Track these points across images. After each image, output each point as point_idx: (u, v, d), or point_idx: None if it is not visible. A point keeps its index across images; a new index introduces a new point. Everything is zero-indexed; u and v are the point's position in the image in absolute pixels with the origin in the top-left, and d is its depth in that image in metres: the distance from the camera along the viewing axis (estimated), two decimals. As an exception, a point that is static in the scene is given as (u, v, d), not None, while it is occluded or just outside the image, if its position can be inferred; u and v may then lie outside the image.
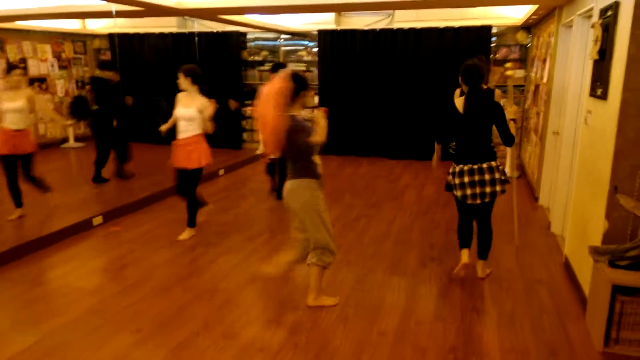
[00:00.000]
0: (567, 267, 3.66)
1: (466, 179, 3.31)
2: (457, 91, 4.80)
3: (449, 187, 3.49)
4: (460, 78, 3.34)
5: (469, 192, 3.32)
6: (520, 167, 7.01)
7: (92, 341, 2.77)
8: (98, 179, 6.07)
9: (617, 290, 2.59)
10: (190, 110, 4.08)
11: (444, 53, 7.39)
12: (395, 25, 7.64)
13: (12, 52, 8.11)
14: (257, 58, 8.67)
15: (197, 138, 4.14)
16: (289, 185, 2.99)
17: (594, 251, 2.79)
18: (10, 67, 4.69)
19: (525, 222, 4.77)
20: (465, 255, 3.47)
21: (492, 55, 7.37)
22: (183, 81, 4.07)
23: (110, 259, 3.96)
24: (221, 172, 6.80)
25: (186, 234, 4.34)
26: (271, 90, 2.82)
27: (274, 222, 4.83)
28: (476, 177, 3.29)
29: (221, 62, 8.45)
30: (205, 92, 4.21)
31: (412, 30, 7.51)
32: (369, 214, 5.04)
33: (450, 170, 3.44)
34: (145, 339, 2.79)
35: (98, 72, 6.20)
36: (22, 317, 3.05)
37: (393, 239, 4.34)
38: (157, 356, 2.62)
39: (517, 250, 4.06)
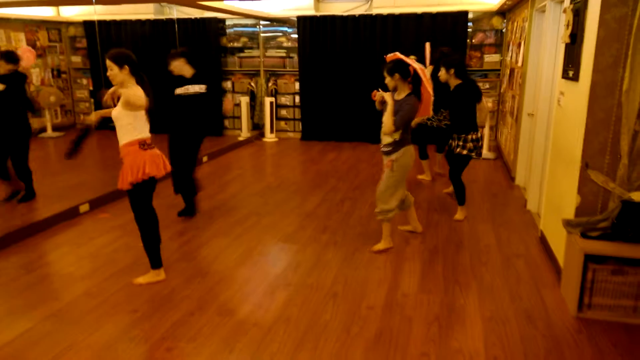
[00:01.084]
0: (543, 240, 3.87)
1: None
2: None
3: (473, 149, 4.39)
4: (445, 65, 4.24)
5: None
6: (497, 149, 7.23)
7: (89, 322, 2.84)
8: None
9: (589, 259, 2.78)
10: (116, 111, 3.09)
11: (421, 38, 7.50)
12: (374, 11, 7.74)
13: (-15, 41, 7.92)
14: (236, 44, 8.65)
15: (126, 149, 3.10)
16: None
17: (567, 224, 2.97)
18: None
19: (502, 202, 4.98)
20: None
21: (468, 40, 7.53)
22: (117, 73, 3.02)
23: (100, 244, 3.99)
24: (205, 158, 6.83)
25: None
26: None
27: (260, 206, 4.92)
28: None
29: (200, 48, 8.41)
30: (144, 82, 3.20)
31: (391, 16, 7.61)
32: (353, 197, 5.17)
33: (474, 137, 4.38)
34: (142, 318, 2.87)
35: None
36: (17, 303, 3.09)
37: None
38: (155, 334, 2.70)
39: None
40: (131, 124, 3.06)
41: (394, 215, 3.80)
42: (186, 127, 4.46)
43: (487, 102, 7.06)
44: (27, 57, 7.22)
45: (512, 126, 6.04)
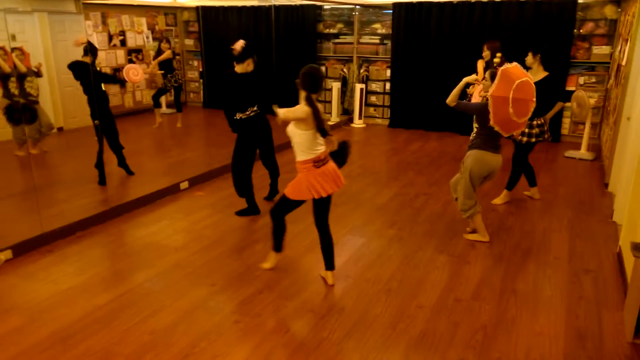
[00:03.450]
0: (619, 257, 3.70)
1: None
2: (481, 62, 5.52)
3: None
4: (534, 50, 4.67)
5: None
6: (598, 149, 6.75)
7: (176, 290, 3.36)
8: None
9: (652, 287, 2.68)
10: (289, 129, 3.20)
11: (523, 27, 7.14)
12: (473, -2, 7.48)
13: (113, 25, 9.00)
14: (332, 31, 8.88)
15: (299, 165, 3.24)
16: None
17: (635, 247, 2.86)
18: None
19: (588, 210, 4.75)
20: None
21: (575, 30, 7.00)
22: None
23: (194, 220, 4.57)
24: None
25: None
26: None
27: (336, 195, 5.17)
28: None
29: (297, 34, 8.78)
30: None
31: (491, 3, 7.32)
32: (429, 192, 5.24)
33: (539, 122, 4.63)
34: (218, 292, 3.34)
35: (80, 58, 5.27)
36: (122, 267, 3.72)
37: (448, 219, 4.55)
38: (226, 307, 3.14)
39: None
40: (302, 143, 3.12)
41: (479, 206, 3.97)
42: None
43: (591, 98, 6.59)
44: (129, 77, 7.91)
45: (612, 128, 5.63)
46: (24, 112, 5.98)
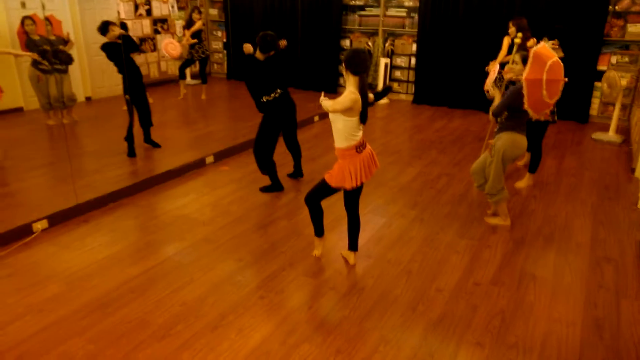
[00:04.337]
0: (642, 247, 3.70)
1: None
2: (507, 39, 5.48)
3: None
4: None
5: None
6: (627, 132, 6.62)
7: (205, 263, 3.51)
8: (149, 140, 5.88)
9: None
10: (331, 114, 3.12)
11: (553, 4, 6.92)
12: (506, -29, 7.23)
13: (139, -6, 9.00)
14: (357, 2, 8.73)
15: (340, 152, 3.20)
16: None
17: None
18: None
19: (613, 195, 4.72)
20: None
21: (610, 7, 6.76)
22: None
23: (220, 195, 4.69)
24: (316, 118, 7.27)
25: None
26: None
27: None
28: None
29: (322, 6, 8.66)
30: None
31: (524, -22, 7.07)
32: (451, 173, 5.26)
33: None
34: (244, 267, 3.47)
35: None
36: (153, 239, 3.88)
37: (470, 201, 4.58)
38: (252, 282, 3.28)
39: None
40: (344, 130, 3.08)
41: (507, 192, 3.98)
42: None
43: (623, 78, 6.41)
44: (168, 51, 8.02)
45: (643, 111, 5.50)
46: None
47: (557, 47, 4.97)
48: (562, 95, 3.84)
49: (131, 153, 5.51)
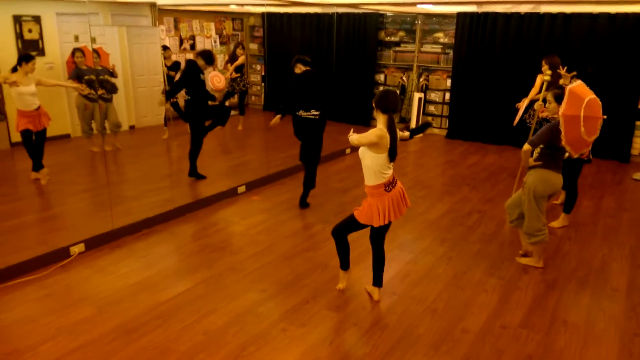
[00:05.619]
0: (684, 296, 3.51)
1: None
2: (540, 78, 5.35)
3: None
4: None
5: None
6: (671, 173, 6.35)
7: (230, 293, 3.56)
8: (194, 173, 5.97)
9: None
10: (361, 150, 3.21)
11: (594, 41, 6.84)
12: (543, 9, 7.23)
13: (184, 30, 9.49)
14: (393, 39, 8.88)
15: (369, 190, 3.23)
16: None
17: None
18: (28, 57, 5.33)
19: (655, 235, 4.52)
20: None
21: (652, 46, 6.62)
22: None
23: (249, 225, 4.78)
24: (348, 150, 7.34)
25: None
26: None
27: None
28: None
29: (358, 42, 8.86)
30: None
31: (561, 15, 7.06)
32: (483, 210, 5.17)
33: None
34: (267, 298, 3.50)
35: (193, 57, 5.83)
36: (182, 266, 3.98)
37: (501, 239, 4.48)
38: (274, 314, 3.30)
39: None
40: (372, 166, 3.11)
41: (547, 235, 3.86)
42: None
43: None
44: (213, 83, 8.37)
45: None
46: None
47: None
48: (602, 133, 3.78)
49: (192, 173, 5.86)
